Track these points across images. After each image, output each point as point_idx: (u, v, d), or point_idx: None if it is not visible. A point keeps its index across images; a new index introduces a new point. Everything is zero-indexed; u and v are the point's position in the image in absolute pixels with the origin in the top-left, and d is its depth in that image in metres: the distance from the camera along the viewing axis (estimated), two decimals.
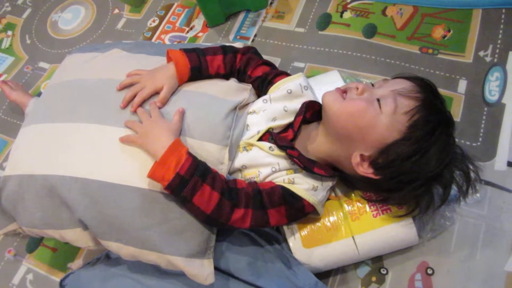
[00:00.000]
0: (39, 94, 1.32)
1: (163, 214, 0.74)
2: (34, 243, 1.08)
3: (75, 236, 0.80)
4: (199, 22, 1.39)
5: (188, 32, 1.38)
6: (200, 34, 1.36)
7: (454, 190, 0.78)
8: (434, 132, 0.71)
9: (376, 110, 0.72)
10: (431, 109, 0.72)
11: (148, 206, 0.74)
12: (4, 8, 1.63)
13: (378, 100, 0.73)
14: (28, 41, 1.51)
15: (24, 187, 0.80)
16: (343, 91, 0.77)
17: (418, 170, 0.72)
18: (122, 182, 0.75)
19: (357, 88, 0.76)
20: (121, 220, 0.74)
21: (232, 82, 0.88)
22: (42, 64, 1.44)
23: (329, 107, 0.77)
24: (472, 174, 0.77)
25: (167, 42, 1.37)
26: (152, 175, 0.71)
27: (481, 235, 0.89)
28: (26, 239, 1.09)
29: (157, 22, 1.43)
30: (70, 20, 1.53)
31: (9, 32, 1.55)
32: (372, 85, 0.78)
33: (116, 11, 1.51)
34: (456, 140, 0.78)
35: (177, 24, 1.41)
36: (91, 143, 0.79)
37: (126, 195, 0.75)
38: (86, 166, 0.77)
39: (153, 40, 1.39)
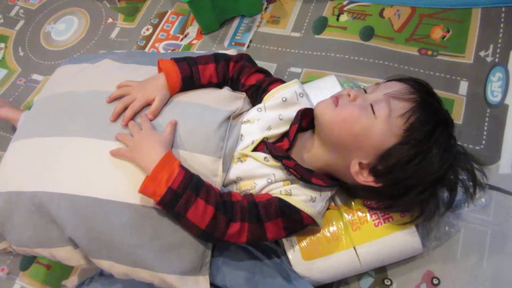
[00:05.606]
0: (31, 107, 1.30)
1: (155, 230, 0.72)
2: (27, 261, 1.05)
3: (66, 255, 0.77)
4: (193, 29, 1.37)
5: (182, 39, 1.35)
6: (194, 42, 1.34)
7: (459, 194, 0.75)
8: (433, 132, 0.69)
9: (370, 116, 0.70)
10: (427, 110, 0.71)
11: (139, 223, 0.72)
12: None
13: (372, 105, 0.71)
14: (21, 53, 1.49)
15: (12, 205, 0.77)
16: (336, 99, 0.75)
17: (420, 174, 0.70)
18: (113, 198, 0.73)
19: (349, 95, 0.74)
20: (111, 237, 0.72)
21: (225, 90, 0.85)
22: (35, 76, 1.41)
23: (321, 115, 0.75)
24: (478, 174, 0.75)
25: (161, 50, 1.35)
26: (143, 190, 0.69)
27: (487, 241, 0.86)
28: (19, 256, 1.06)
29: (151, 30, 1.41)
30: (64, 31, 1.51)
31: (2, 45, 1.53)
32: (365, 91, 0.76)
33: (110, 20, 1.49)
34: (458, 143, 0.75)
35: (171, 32, 1.39)
36: (80, 158, 0.77)
37: (117, 211, 0.72)
38: (75, 181, 0.75)
39: (147, 48, 1.37)
